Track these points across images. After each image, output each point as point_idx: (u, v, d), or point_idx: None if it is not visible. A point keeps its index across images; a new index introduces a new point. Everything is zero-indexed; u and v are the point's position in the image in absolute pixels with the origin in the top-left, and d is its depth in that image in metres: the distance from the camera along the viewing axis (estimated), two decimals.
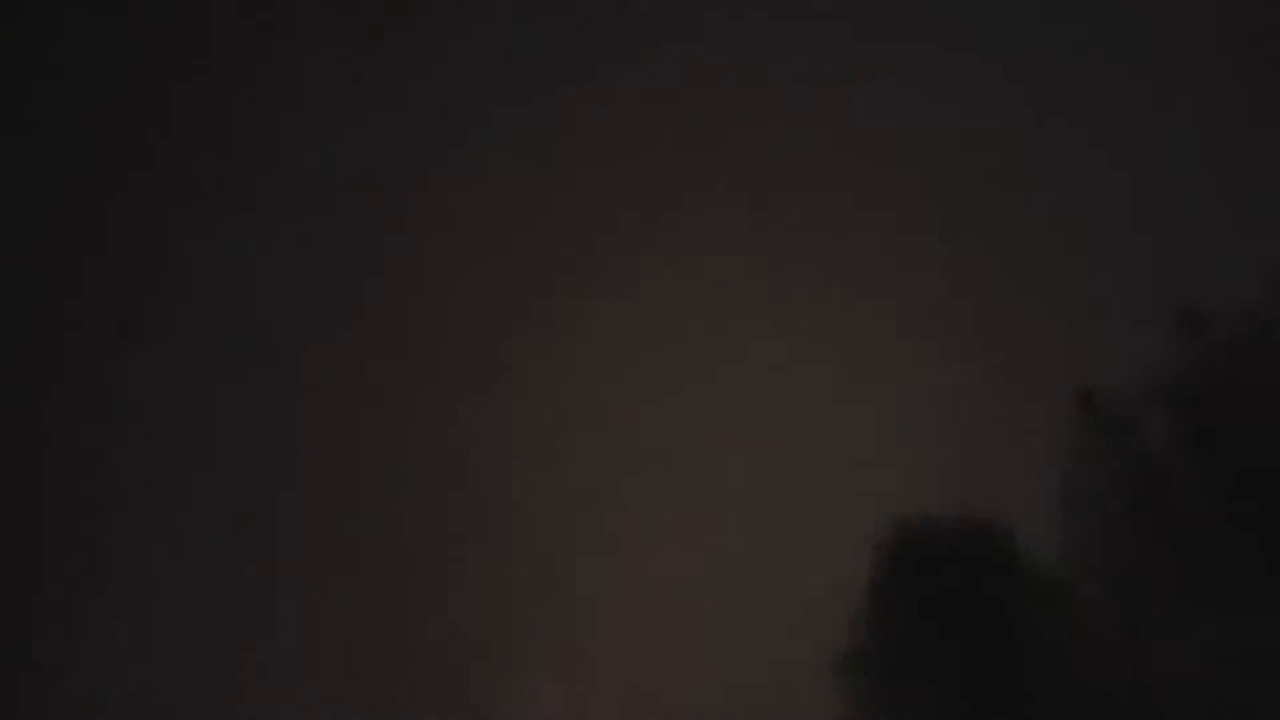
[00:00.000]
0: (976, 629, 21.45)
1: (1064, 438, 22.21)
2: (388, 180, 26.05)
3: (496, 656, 23.21)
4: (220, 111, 26.42)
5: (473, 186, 26.08)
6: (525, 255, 25.83)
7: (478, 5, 26.72)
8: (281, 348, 25.13)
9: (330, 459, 25.08)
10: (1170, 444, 21.69)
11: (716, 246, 25.96)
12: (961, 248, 24.78)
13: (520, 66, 26.37)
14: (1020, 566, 22.11)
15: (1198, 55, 25.39)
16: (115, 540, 24.01)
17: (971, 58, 26.01)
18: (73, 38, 26.72)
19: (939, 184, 25.37)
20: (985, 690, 21.25)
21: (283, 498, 24.56)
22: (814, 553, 23.90)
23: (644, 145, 26.25)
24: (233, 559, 23.78)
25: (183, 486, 24.38)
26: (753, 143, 26.15)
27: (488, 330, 25.72)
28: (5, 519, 23.83)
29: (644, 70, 26.41)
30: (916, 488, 23.59)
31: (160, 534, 24.08)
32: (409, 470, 24.86)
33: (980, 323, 24.51)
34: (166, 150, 26.63)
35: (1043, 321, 23.82)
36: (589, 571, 23.95)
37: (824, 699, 21.72)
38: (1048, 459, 22.33)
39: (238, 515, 24.18)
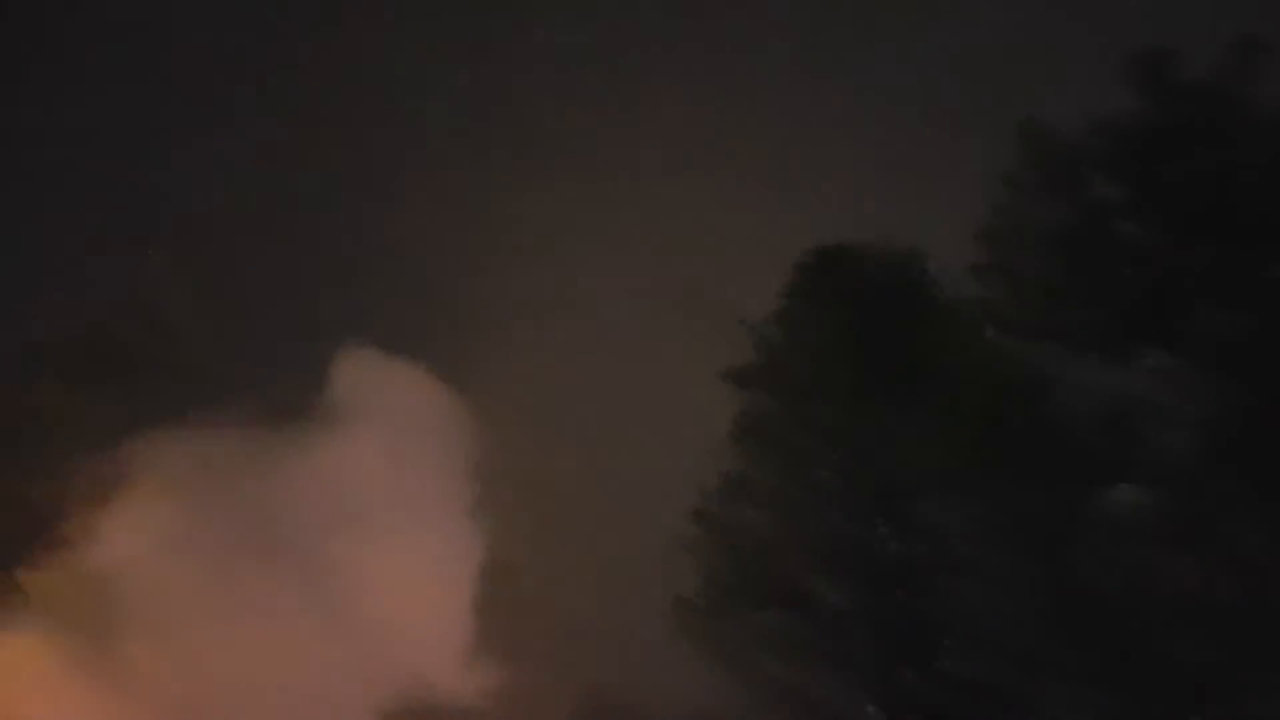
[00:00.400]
0: (880, 354, 20.86)
1: (1000, 173, 21.29)
2: None
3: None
4: None
5: None
6: None
7: None
8: None
9: None
10: (1110, 186, 20.83)
11: None
12: None
13: None
14: (934, 297, 21.46)
15: None
16: None
17: None
18: None
19: None
20: (881, 410, 20.76)
21: None
22: (733, 273, 23.44)
23: None
24: None
25: None
26: None
27: None
28: None
29: None
30: (843, 215, 22.94)
31: None
32: None
33: (924, 52, 23.47)
34: None
35: (990, 53, 22.76)
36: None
37: (719, 409, 21.18)
38: (980, 194, 21.46)
39: None
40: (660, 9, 25.33)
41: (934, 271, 21.63)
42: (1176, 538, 18.45)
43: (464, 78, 25.48)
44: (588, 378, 23.20)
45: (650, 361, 23.07)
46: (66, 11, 24.76)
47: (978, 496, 20.09)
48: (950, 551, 20.05)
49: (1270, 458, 18.14)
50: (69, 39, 24.85)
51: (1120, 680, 18.43)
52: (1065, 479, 19.62)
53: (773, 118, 24.14)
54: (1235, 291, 19.33)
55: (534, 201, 24.07)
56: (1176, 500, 18.61)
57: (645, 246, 23.69)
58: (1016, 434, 19.94)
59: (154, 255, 22.29)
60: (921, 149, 22.89)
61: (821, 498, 20.55)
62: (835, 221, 22.58)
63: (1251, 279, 19.38)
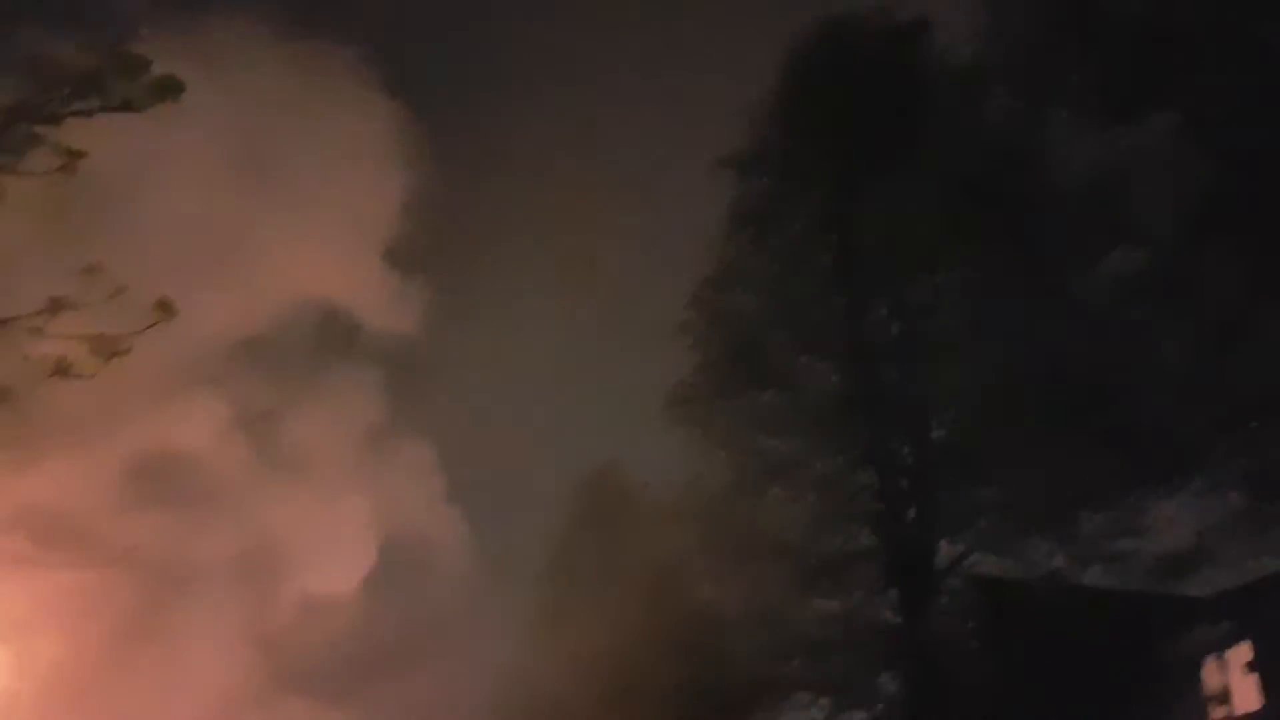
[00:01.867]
0: (878, 132, 20.55)
1: None
2: None
3: None
4: None
5: None
6: None
7: None
8: None
9: None
10: None
11: None
12: None
13: None
14: (935, 70, 20.93)
15: None
16: None
17: None
18: None
19: None
20: (879, 190, 20.59)
21: None
22: (734, 55, 23.07)
23: None
24: None
25: None
26: None
27: None
28: None
29: None
30: None
31: None
32: None
33: None
34: None
35: None
36: None
37: (716, 193, 21.28)
38: None
39: None
40: None
41: (938, 41, 21.07)
42: (1167, 301, 18.12)
43: None
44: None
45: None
46: None
47: (972, 270, 20.00)
48: (944, 327, 20.08)
49: (1262, 217, 17.55)
50: None
51: (1107, 447, 18.45)
52: (1060, 246, 19.35)
53: None
54: (1237, 54, 18.44)
55: None
56: (1167, 262, 18.20)
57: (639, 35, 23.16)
58: (1013, 204, 19.66)
59: None
60: None
61: (818, 281, 20.66)
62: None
63: (1254, 42, 18.44)
